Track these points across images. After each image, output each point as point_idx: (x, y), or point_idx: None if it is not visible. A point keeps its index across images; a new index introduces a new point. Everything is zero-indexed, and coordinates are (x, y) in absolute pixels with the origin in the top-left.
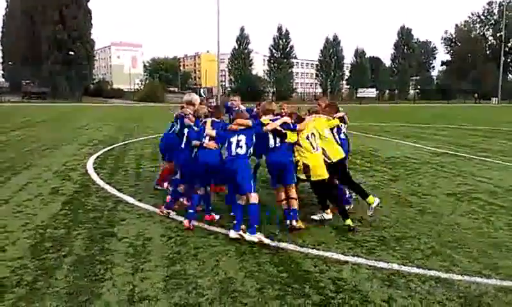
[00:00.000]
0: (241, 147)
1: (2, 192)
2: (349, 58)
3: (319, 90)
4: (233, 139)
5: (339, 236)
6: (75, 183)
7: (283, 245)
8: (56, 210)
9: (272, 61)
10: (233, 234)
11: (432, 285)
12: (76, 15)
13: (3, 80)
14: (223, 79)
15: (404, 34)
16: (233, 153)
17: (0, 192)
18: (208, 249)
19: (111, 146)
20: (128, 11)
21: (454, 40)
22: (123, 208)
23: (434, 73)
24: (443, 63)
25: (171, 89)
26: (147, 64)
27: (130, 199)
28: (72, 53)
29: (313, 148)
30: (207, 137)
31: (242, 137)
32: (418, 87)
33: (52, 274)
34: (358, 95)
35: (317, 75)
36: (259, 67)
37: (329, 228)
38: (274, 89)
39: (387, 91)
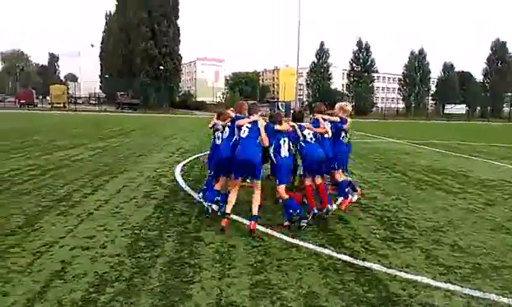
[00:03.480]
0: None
1: (102, 193)
2: (435, 72)
3: (401, 105)
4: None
5: (429, 260)
6: (165, 188)
7: (368, 264)
8: (149, 213)
9: (351, 75)
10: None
11: None
12: (166, 32)
13: (100, 91)
14: (301, 93)
15: (498, 48)
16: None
17: (100, 193)
18: (290, 261)
19: (197, 155)
20: (213, 27)
21: None
22: (209, 215)
23: None
24: None
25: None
26: (228, 78)
27: (215, 207)
28: (161, 67)
29: None
30: None
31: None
32: None
33: (146, 272)
34: (445, 111)
35: (399, 90)
36: (338, 81)
37: (417, 250)
38: (353, 103)
39: (478, 108)
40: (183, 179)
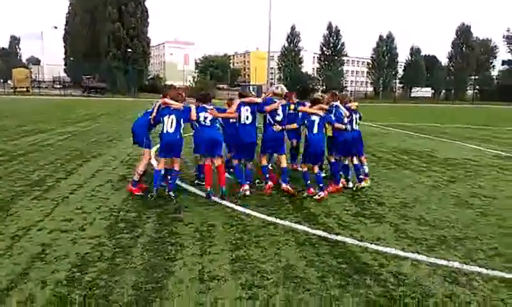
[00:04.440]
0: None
1: (76, 177)
2: (403, 56)
3: (370, 89)
4: None
5: (398, 233)
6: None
7: (340, 238)
8: (126, 195)
9: (322, 59)
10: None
11: (496, 285)
12: (134, 13)
13: (65, 74)
14: (272, 77)
15: (463, 32)
16: None
17: (74, 177)
18: (268, 237)
19: None
20: (181, 9)
21: None
22: (187, 197)
23: (495, 73)
24: (504, 62)
25: (221, 86)
26: (198, 62)
27: (191, 189)
28: (129, 50)
29: None
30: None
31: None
32: (477, 87)
33: (128, 251)
34: (412, 95)
35: (368, 73)
36: (309, 65)
37: (386, 225)
38: (324, 86)
39: (443, 91)
40: (157, 162)
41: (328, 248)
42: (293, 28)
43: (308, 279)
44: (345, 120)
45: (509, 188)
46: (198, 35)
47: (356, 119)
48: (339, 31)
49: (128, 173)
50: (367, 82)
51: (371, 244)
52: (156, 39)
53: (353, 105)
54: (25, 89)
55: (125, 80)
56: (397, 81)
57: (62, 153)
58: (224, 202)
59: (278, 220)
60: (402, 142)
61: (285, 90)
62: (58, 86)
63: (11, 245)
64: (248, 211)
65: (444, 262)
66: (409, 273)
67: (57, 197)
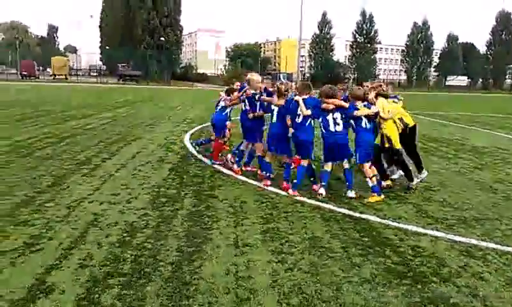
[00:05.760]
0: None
1: (119, 158)
2: (438, 44)
3: (404, 77)
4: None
5: (419, 213)
6: (176, 154)
7: (364, 216)
8: (165, 175)
9: (354, 46)
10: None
11: (508, 258)
12: (167, 2)
13: (101, 63)
14: (303, 65)
15: (503, 19)
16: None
17: (117, 158)
18: (296, 213)
19: (202, 125)
20: None
21: None
22: (220, 177)
23: None
24: None
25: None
26: (229, 50)
27: (225, 170)
28: (162, 38)
29: None
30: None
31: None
32: None
33: (170, 221)
34: (447, 83)
35: (402, 61)
36: (341, 52)
37: (409, 205)
38: (355, 75)
39: (480, 80)
40: (192, 146)
41: (352, 224)
42: (324, 15)
43: (332, 249)
44: (299, 119)
45: None
46: (229, 23)
47: (336, 118)
48: (372, 17)
49: (166, 155)
50: (400, 70)
51: (393, 221)
52: (188, 27)
53: (333, 102)
54: (63, 77)
55: (159, 68)
56: (432, 69)
57: (104, 136)
58: (255, 182)
59: (305, 199)
60: (433, 131)
61: (257, 79)
62: (95, 74)
63: (67, 214)
64: (277, 190)
65: (462, 239)
66: (427, 247)
67: (104, 175)
